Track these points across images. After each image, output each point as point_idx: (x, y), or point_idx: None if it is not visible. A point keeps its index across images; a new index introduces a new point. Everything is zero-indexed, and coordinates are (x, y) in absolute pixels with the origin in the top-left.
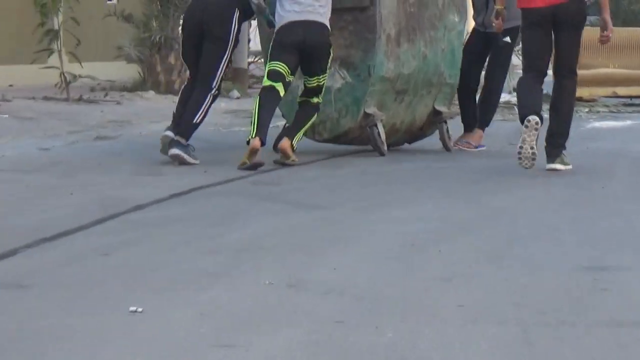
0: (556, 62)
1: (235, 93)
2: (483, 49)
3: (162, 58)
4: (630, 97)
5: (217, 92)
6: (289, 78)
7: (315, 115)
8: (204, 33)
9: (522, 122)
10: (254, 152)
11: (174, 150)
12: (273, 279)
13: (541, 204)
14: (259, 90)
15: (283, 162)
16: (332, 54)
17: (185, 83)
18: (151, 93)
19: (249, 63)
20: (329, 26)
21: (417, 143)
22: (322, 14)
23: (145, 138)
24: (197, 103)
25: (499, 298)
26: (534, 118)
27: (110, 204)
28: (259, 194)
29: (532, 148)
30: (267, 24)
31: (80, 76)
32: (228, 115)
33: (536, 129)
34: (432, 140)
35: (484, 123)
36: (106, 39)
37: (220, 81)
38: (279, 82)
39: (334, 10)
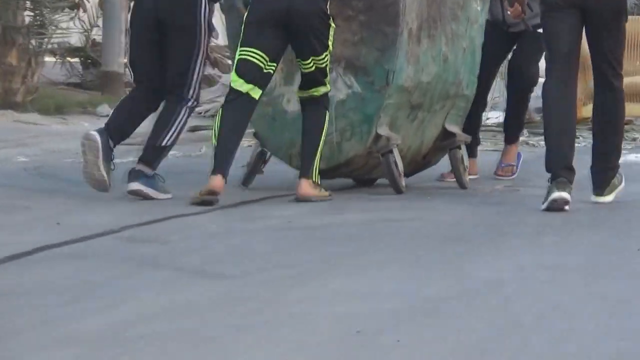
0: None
1: (106, 108)
2: (500, 44)
3: None
4: None
5: (194, 102)
6: (268, 68)
7: (327, 116)
8: (161, 25)
9: (548, 170)
10: (212, 193)
11: (135, 185)
12: None
13: (552, 276)
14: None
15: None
16: (332, 25)
17: (132, 89)
18: None
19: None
20: None
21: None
22: None
23: None
24: (166, 121)
25: None
26: (560, 197)
27: None
28: (136, 257)
29: (565, 202)
30: (244, 5)
31: None
32: None
33: (566, 203)
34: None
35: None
36: None
37: (198, 87)
38: (251, 82)
39: None
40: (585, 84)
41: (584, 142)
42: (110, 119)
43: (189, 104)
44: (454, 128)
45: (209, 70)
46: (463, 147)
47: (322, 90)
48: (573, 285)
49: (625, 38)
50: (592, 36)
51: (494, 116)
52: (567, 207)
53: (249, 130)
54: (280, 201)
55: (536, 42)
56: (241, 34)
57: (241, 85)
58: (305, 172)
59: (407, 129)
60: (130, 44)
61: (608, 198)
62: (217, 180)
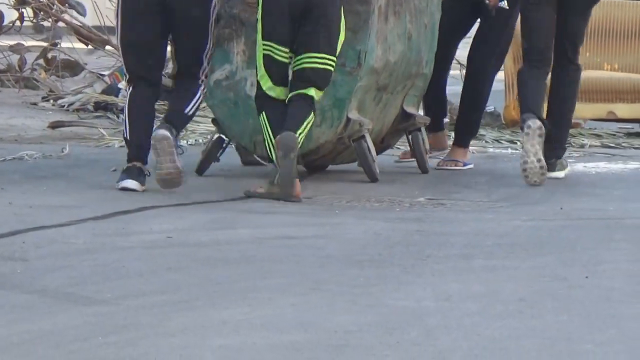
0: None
1: None
2: (461, 14)
3: None
4: (638, 121)
5: (204, 89)
6: (288, 60)
7: (312, 115)
8: (168, 12)
9: (521, 128)
10: (298, 198)
11: (163, 132)
12: None
13: (482, 307)
14: None
15: None
16: (343, 30)
17: (130, 91)
18: None
19: None
20: None
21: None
22: None
23: None
24: (188, 91)
25: None
26: (534, 122)
27: None
28: None
29: (539, 160)
30: None
31: None
32: None
33: (540, 135)
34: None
35: (469, 134)
36: None
37: (206, 73)
38: (279, 85)
39: None
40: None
41: (521, 148)
42: (131, 135)
43: (202, 86)
44: (412, 109)
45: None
46: (423, 129)
47: (312, 91)
48: (507, 318)
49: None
50: (562, 19)
51: None
52: (541, 132)
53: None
54: (160, 212)
55: (500, 27)
56: (259, 24)
57: (272, 90)
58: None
59: (373, 112)
60: (123, 22)
61: (560, 174)
62: (298, 186)
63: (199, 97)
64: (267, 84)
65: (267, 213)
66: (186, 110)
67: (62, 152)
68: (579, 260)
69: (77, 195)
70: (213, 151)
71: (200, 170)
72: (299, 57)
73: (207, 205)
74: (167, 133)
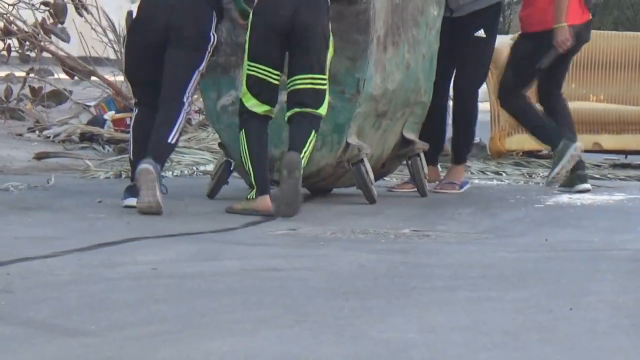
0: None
1: None
2: (450, 46)
3: None
4: (625, 152)
5: (189, 108)
6: (276, 80)
7: (314, 136)
8: (169, 39)
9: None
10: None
11: (146, 166)
12: None
13: (468, 339)
14: None
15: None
16: (331, 48)
17: (136, 112)
18: None
19: None
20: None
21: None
22: None
23: None
24: (170, 119)
25: None
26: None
27: None
28: None
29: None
30: (240, 13)
31: None
32: None
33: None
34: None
35: (466, 149)
36: None
37: (191, 95)
38: (266, 103)
39: None
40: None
41: (507, 179)
42: (135, 156)
43: (186, 108)
44: (412, 135)
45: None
46: (422, 155)
47: (309, 110)
48: (492, 350)
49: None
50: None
51: None
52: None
53: (185, 136)
54: (146, 244)
55: (479, 52)
56: (246, 45)
57: (257, 107)
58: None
59: (372, 138)
60: (129, 55)
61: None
62: (268, 201)
63: (181, 122)
64: (249, 102)
65: (253, 244)
66: (169, 140)
67: (48, 183)
68: (564, 292)
69: (62, 227)
70: (223, 175)
71: (212, 194)
72: (291, 79)
73: (193, 236)
74: (150, 167)
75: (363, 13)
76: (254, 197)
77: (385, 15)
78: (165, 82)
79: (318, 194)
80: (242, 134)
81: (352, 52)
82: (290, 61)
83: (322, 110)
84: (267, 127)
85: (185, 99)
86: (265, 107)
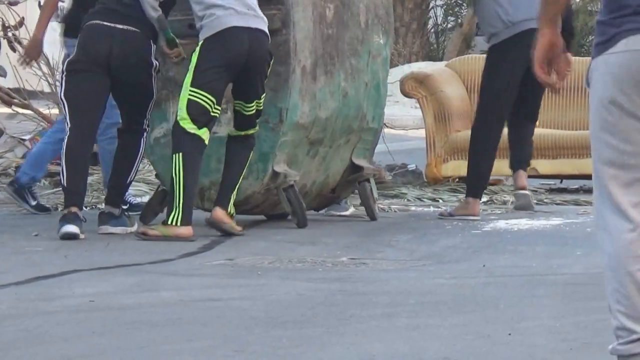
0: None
1: None
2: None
3: None
4: (560, 177)
5: (148, 128)
6: (215, 112)
7: (250, 156)
8: (111, 68)
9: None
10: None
11: (106, 229)
12: None
13: None
14: None
15: (228, 230)
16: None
17: (66, 138)
18: None
19: None
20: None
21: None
22: (264, 20)
23: None
24: (131, 158)
25: None
26: None
27: None
28: None
29: None
30: (167, 43)
31: None
32: None
33: None
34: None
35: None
36: None
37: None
38: (204, 126)
39: None
40: (446, 137)
41: (444, 206)
42: (68, 182)
43: (145, 133)
44: (362, 162)
45: None
46: (371, 180)
47: (252, 131)
48: None
49: None
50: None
51: None
52: None
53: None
54: (83, 276)
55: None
56: (192, 73)
57: (195, 130)
58: (221, 202)
59: (309, 165)
60: (68, 79)
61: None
62: (188, 230)
63: (140, 155)
64: (187, 125)
65: (191, 275)
66: (127, 181)
67: None
68: (502, 318)
69: None
70: (156, 203)
71: (144, 219)
72: (238, 104)
73: (130, 268)
74: (109, 229)
75: (283, 44)
76: (176, 223)
77: (313, 45)
78: (122, 110)
79: (254, 225)
80: (178, 157)
81: (273, 83)
82: (239, 89)
83: (257, 125)
84: (202, 153)
85: (145, 124)
86: (203, 131)
